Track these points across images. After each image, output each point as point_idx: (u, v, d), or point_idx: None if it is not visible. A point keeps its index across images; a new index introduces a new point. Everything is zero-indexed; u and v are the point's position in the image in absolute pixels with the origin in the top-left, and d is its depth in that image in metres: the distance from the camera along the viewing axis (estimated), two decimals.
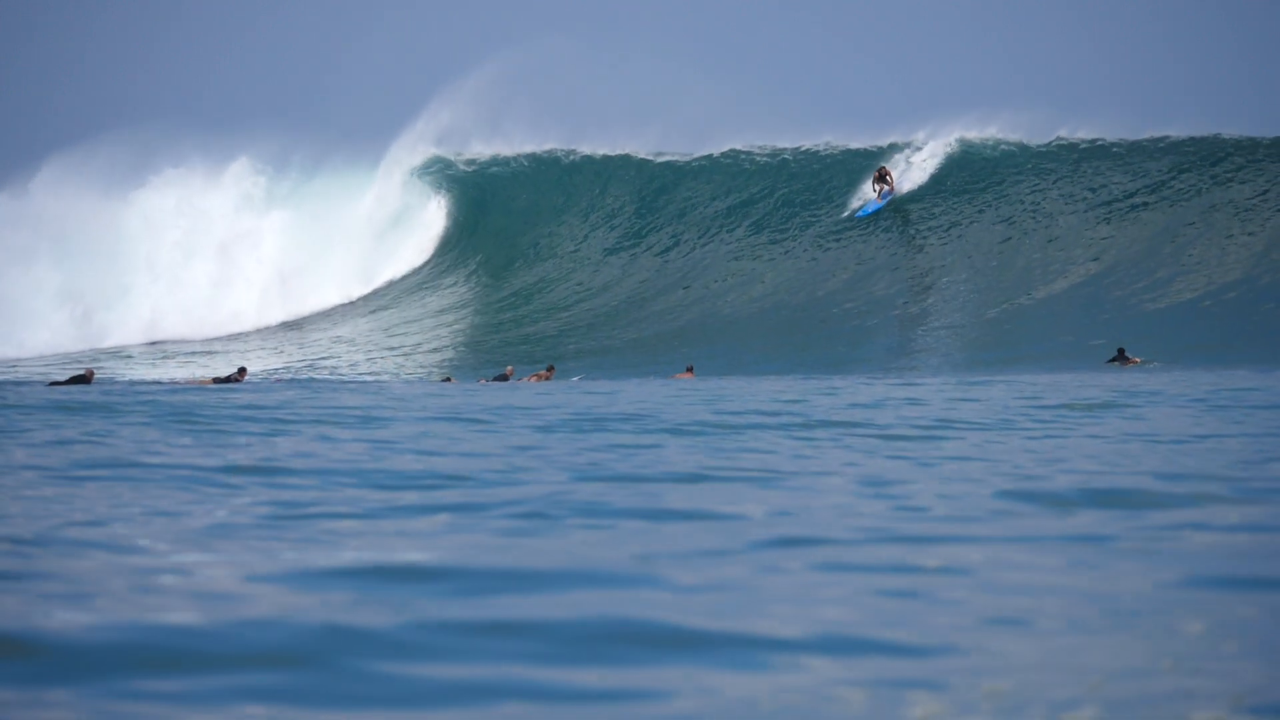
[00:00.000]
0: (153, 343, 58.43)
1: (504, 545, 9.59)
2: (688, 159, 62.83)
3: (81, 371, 36.96)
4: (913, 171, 58.71)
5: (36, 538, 9.81)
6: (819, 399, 25.51)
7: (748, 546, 9.40)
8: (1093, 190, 57.04)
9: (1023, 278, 52.86)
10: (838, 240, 56.89)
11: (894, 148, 60.50)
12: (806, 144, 62.31)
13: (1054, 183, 57.64)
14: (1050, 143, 59.51)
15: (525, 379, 39.03)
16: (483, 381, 39.64)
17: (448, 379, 40.00)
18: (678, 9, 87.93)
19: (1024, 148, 59.56)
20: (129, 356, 54.88)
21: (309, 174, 64.58)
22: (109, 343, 58.40)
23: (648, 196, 61.86)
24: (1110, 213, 55.76)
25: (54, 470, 14.41)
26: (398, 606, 7.61)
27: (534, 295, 57.32)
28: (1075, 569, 8.74)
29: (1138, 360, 42.86)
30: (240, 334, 59.01)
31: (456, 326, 55.35)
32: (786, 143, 62.57)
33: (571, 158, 64.08)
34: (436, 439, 18.19)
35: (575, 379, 40.92)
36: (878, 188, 57.56)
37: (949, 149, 59.55)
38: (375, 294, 60.86)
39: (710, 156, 62.67)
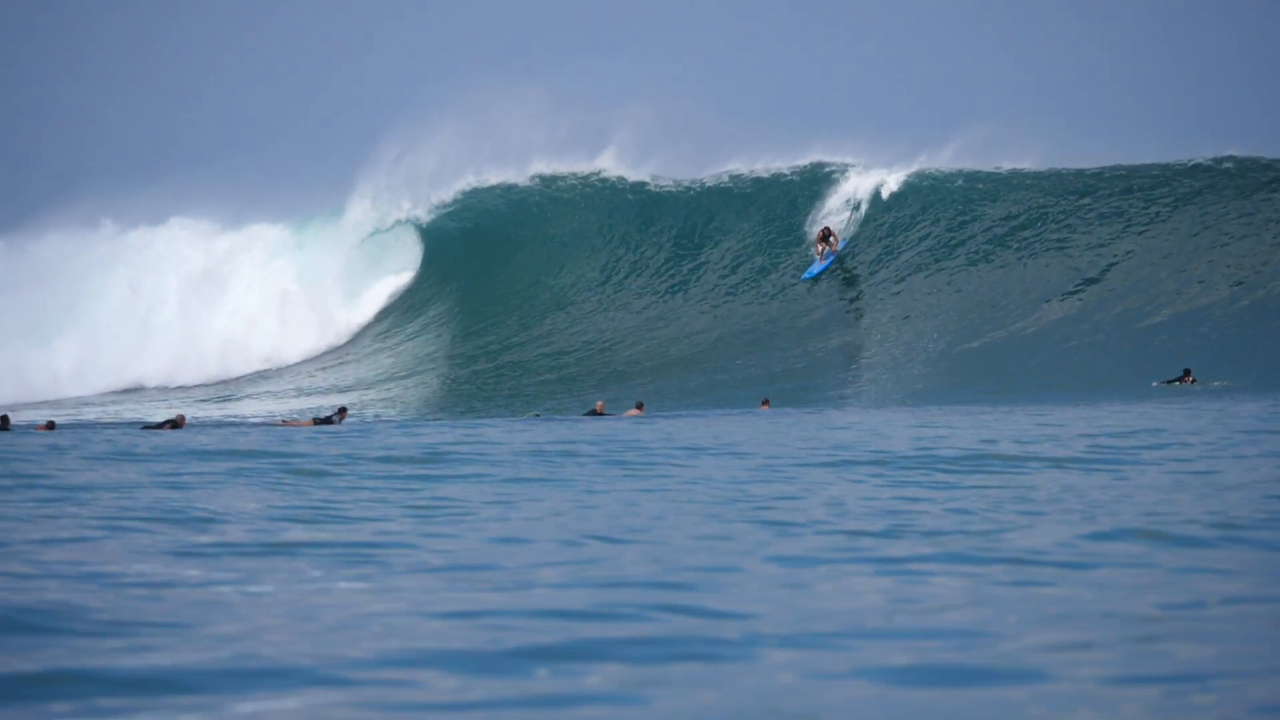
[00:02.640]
0: (126, 390, 59.42)
1: None
2: (679, 186, 63.83)
3: (174, 416, 38.05)
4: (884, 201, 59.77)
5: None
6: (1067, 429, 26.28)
7: None
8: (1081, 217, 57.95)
9: (1049, 302, 53.52)
10: (824, 278, 57.88)
11: (830, 173, 61.96)
12: (785, 167, 63.22)
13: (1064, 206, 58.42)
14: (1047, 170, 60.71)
15: (625, 414, 39.70)
16: (535, 415, 40.50)
17: (597, 407, 40.19)
18: (648, 29, 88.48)
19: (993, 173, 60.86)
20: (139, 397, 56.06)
21: (276, 218, 65.64)
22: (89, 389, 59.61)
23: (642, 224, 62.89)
24: (1092, 240, 56.67)
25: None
26: None
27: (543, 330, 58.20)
28: None
29: (1195, 381, 43.77)
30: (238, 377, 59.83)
31: (474, 366, 55.84)
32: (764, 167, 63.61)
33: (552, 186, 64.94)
34: (794, 482, 18.22)
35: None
36: (820, 248, 57.61)
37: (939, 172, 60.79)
38: (373, 325, 61.68)
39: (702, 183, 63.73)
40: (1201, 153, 59.09)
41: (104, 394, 58.96)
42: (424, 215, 64.50)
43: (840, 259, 57.66)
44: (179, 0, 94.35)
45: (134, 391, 59.19)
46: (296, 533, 14.28)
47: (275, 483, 19.51)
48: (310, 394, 53.94)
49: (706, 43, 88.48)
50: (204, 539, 13.79)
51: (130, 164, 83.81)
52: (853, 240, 58.82)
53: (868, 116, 67.97)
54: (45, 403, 57.00)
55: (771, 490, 17.55)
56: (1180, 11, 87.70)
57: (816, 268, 57.40)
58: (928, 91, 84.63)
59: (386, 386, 53.79)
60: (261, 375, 59.51)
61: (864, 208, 60.47)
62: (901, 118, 68.10)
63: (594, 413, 40.09)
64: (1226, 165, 58.29)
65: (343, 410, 37.92)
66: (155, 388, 59.63)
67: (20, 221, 65.90)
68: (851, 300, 56.29)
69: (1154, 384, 44.38)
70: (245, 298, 62.92)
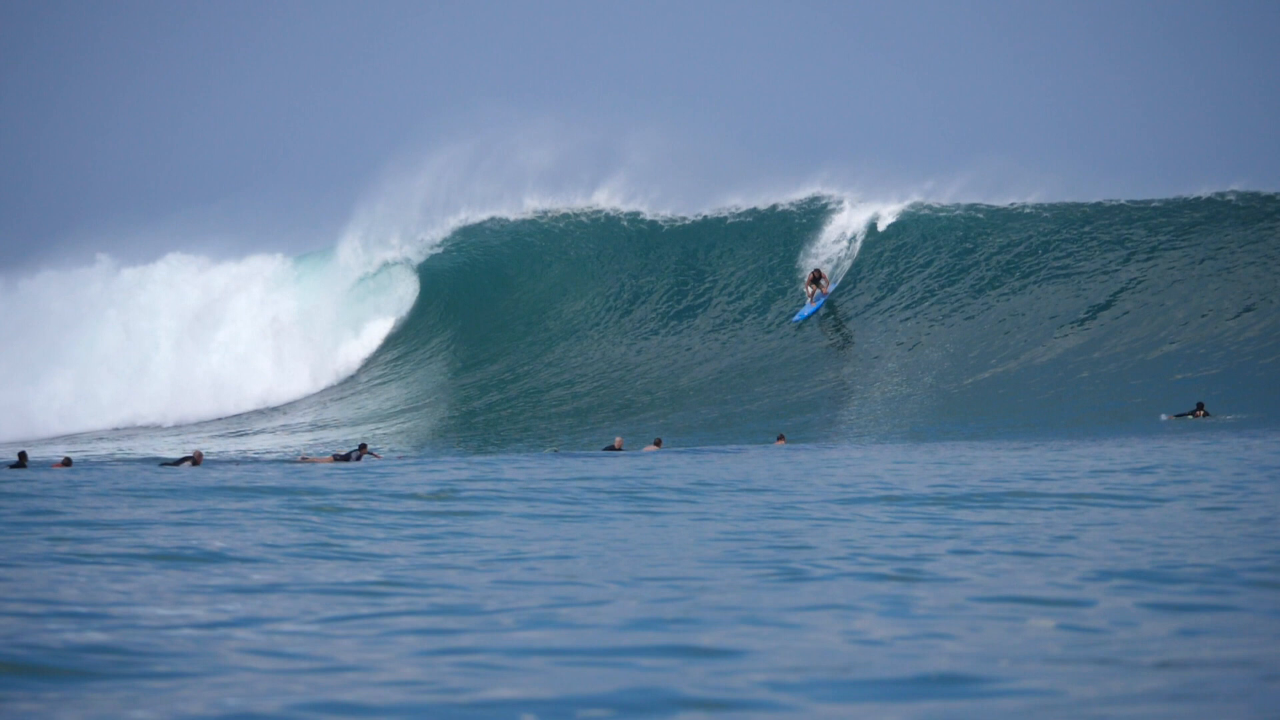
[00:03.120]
0: (117, 428, 59.30)
1: None
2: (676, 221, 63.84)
3: (191, 453, 38.13)
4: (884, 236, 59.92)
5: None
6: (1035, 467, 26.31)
7: None
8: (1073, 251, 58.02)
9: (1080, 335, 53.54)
10: (822, 311, 57.93)
11: (824, 207, 62.10)
12: (787, 201, 63.19)
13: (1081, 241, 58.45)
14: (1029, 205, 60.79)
15: (644, 449, 39.73)
16: (553, 450, 40.53)
17: (616, 444, 40.24)
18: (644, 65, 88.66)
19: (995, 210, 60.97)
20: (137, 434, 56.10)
21: (271, 254, 65.71)
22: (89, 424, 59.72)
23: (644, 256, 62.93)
24: (1088, 275, 56.70)
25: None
26: None
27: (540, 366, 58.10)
28: None
29: (1208, 414, 43.67)
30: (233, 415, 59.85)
31: (474, 399, 55.82)
32: (760, 201, 63.64)
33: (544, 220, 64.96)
34: (845, 523, 18.10)
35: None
36: (811, 290, 57.43)
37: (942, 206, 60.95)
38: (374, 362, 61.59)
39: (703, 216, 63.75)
40: (1203, 188, 59.16)
41: (100, 430, 58.90)
42: (423, 249, 64.48)
43: (830, 302, 57.53)
44: (175, 31, 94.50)
45: (131, 429, 59.05)
46: (320, 571, 14.31)
47: (296, 520, 19.54)
48: (314, 429, 53.96)
49: (708, 75, 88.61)
50: (219, 577, 13.81)
51: (128, 199, 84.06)
52: (846, 281, 58.72)
53: (873, 149, 67.77)
54: (39, 440, 56.96)
55: (797, 530, 17.56)
56: (1180, 51, 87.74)
57: (807, 310, 57.23)
58: (932, 125, 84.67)
59: (396, 421, 53.80)
60: (264, 412, 59.44)
61: (861, 240, 60.55)
62: (906, 151, 67.97)
63: (612, 448, 40.14)
64: (1229, 198, 58.35)
65: (363, 447, 37.98)
66: (148, 425, 59.49)
67: (15, 258, 66.08)
68: (858, 332, 56.32)
69: (1163, 417, 44.26)
70: (244, 333, 62.97)
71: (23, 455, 37.87)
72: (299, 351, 62.07)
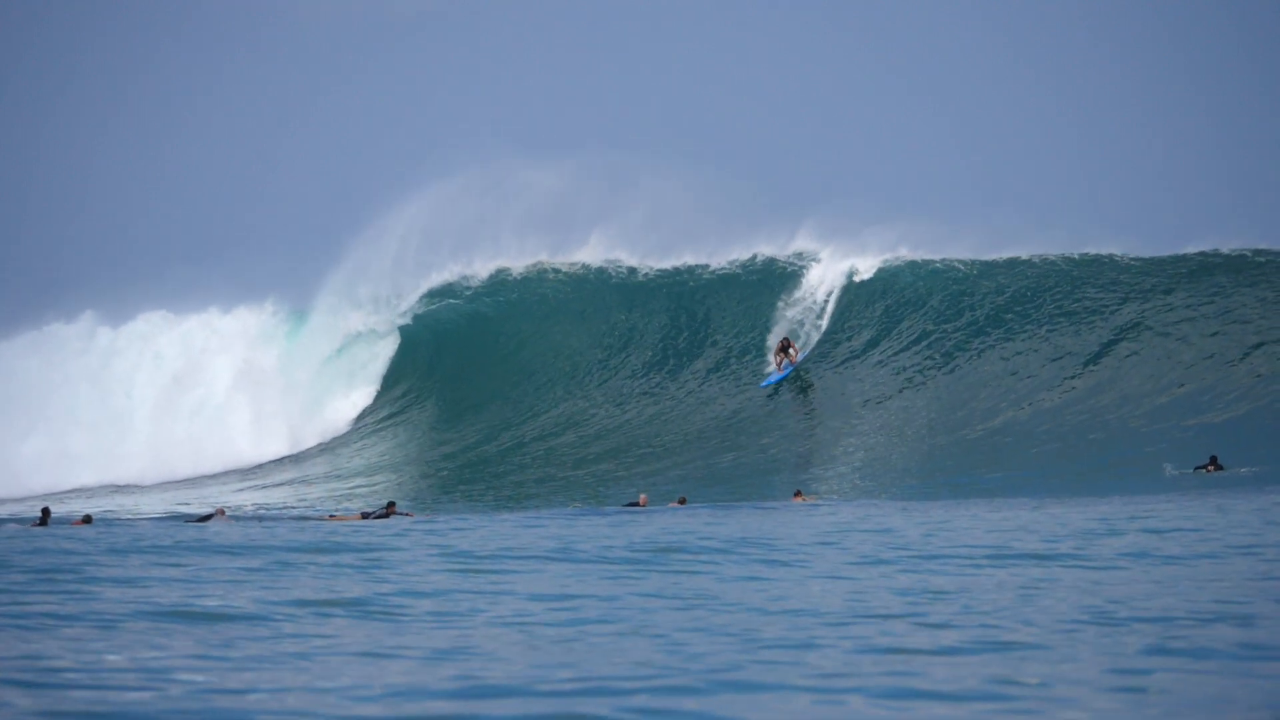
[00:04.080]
0: (113, 485, 58.71)
1: None
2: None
3: (212, 511, 37.92)
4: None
5: None
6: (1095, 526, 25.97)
7: None
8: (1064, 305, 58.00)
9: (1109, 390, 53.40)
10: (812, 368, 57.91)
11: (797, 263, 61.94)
12: (778, 254, 63.26)
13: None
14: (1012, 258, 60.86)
15: (668, 505, 39.53)
16: (575, 506, 40.22)
17: (637, 501, 39.99)
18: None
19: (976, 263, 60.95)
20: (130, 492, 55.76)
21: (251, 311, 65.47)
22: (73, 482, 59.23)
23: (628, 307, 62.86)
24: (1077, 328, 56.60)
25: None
26: None
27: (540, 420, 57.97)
28: None
29: (1221, 468, 43.33)
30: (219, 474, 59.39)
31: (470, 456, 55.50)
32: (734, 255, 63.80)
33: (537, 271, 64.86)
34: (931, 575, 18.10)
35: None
36: (778, 359, 57.22)
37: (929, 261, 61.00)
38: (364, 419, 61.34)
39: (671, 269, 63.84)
40: (1200, 244, 59.26)
41: (87, 488, 58.50)
42: (407, 305, 64.39)
43: (799, 369, 57.19)
44: (162, 83, 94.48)
45: (112, 488, 58.62)
46: (351, 636, 14.07)
47: (332, 576, 19.30)
48: (305, 484, 53.67)
49: (692, 125, 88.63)
50: (258, 635, 13.56)
51: (107, 256, 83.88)
52: (841, 330, 58.59)
53: (866, 199, 67.52)
54: (20, 499, 56.60)
55: (834, 593, 17.29)
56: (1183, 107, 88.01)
57: (774, 377, 56.91)
58: (921, 176, 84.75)
59: (390, 477, 53.42)
60: (243, 471, 59.05)
61: (855, 294, 60.50)
62: (901, 202, 67.73)
63: (635, 505, 39.85)
64: (1230, 253, 58.39)
65: (391, 505, 37.80)
66: (127, 485, 59.08)
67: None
68: (853, 382, 56.17)
69: (1169, 470, 43.94)
70: (227, 391, 62.69)
71: (46, 512, 37.55)
72: (283, 409, 61.78)
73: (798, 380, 57.33)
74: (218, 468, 59.65)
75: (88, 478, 59.39)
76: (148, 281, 66.50)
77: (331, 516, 37.28)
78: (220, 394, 62.66)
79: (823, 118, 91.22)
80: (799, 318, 60.99)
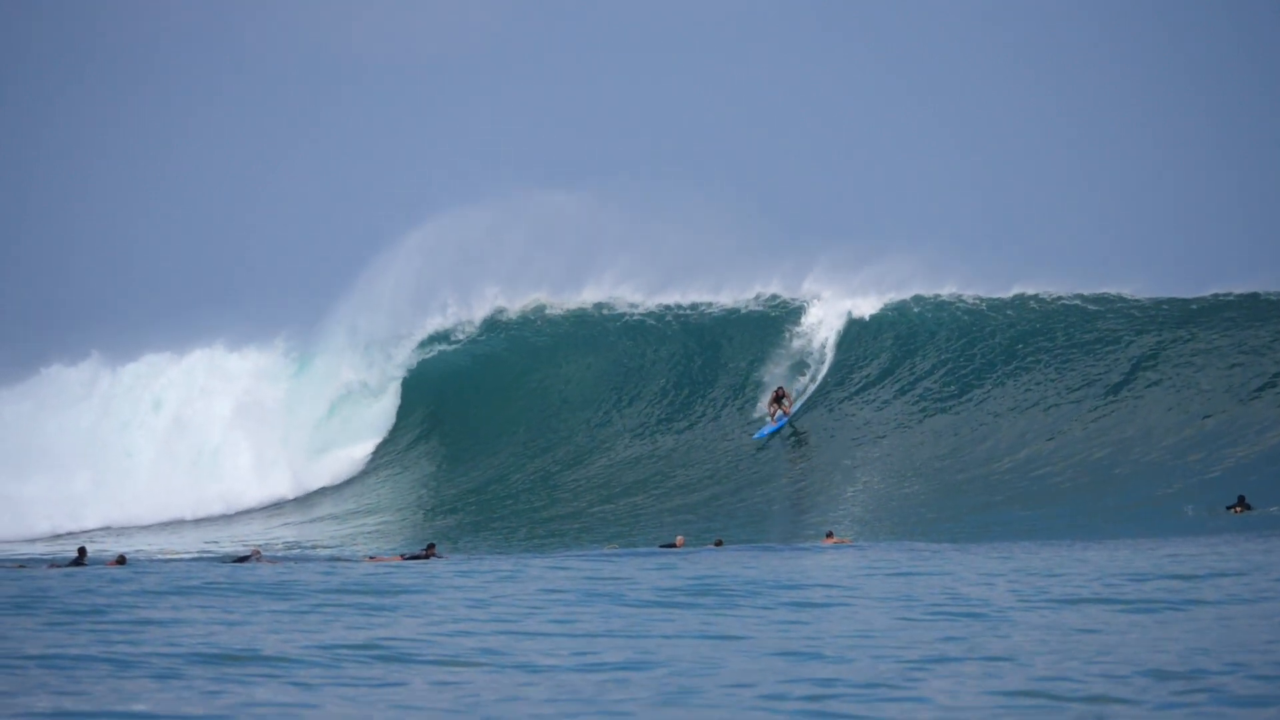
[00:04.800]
0: (115, 527, 58.28)
1: None
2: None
3: (247, 552, 37.74)
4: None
5: None
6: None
7: None
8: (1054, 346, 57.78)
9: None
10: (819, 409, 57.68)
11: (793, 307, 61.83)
12: (734, 299, 63.28)
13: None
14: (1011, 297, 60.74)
15: (709, 545, 39.34)
16: (612, 548, 39.98)
17: (674, 542, 39.72)
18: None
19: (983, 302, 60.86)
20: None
21: (257, 352, 65.21)
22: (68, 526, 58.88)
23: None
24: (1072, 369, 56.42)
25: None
26: None
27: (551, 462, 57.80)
28: None
29: (1249, 508, 42.87)
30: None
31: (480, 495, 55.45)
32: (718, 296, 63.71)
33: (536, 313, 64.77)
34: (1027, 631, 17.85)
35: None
36: (773, 409, 56.53)
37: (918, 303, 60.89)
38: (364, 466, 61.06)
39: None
40: (1212, 288, 59.09)
41: (90, 530, 58.20)
42: (418, 347, 64.28)
43: (792, 421, 56.64)
44: (170, 116, 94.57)
45: (116, 529, 58.37)
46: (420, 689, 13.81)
47: (386, 621, 19.06)
48: (331, 521, 53.50)
49: (699, 160, 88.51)
50: (299, 678, 13.32)
51: (109, 297, 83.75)
52: (813, 398, 58.09)
53: (879, 238, 67.11)
54: (28, 539, 56.43)
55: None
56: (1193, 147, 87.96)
57: (768, 429, 56.20)
58: (935, 211, 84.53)
59: (404, 519, 53.21)
60: (291, 507, 58.91)
61: (869, 329, 60.44)
62: (913, 238, 67.35)
63: (671, 546, 39.63)
64: (1243, 294, 58.27)
65: (431, 547, 37.63)
66: (129, 526, 58.78)
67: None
68: (872, 421, 55.90)
69: (1189, 511, 43.53)
70: (232, 433, 62.51)
71: (82, 551, 37.36)
72: (291, 448, 61.65)
73: (810, 418, 56.96)
74: (223, 509, 59.42)
75: (90, 519, 59.17)
76: (153, 321, 66.56)
77: (371, 558, 37.07)
78: (223, 434, 62.47)
79: (834, 150, 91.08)
80: (807, 352, 60.72)
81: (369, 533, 49.74)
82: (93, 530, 58.07)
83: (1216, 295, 59.09)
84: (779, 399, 56.62)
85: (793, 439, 55.92)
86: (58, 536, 57.00)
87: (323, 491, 59.75)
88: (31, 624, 18.57)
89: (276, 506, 59.07)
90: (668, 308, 64.20)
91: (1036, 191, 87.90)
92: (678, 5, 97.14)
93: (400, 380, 63.78)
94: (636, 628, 17.99)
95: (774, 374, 60.07)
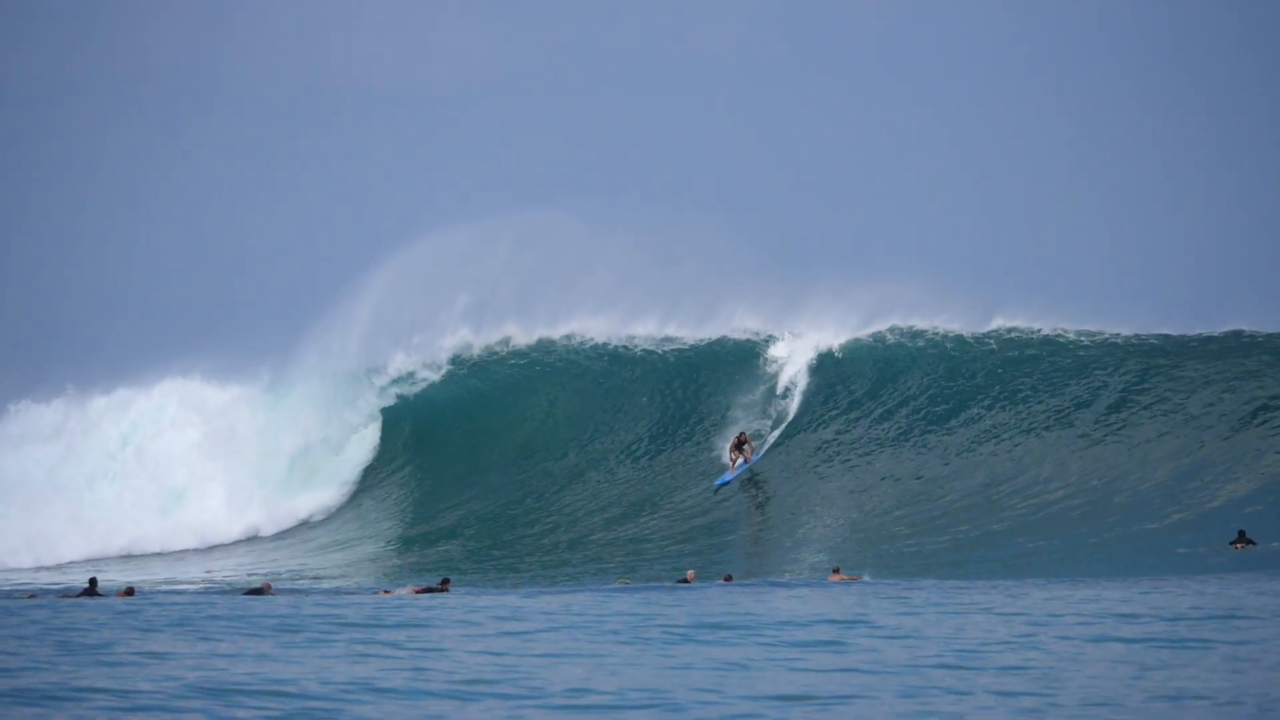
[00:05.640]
0: (89, 560, 57.86)
1: None
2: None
3: (260, 585, 37.66)
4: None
5: None
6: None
7: None
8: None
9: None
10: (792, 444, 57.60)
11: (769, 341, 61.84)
12: (702, 336, 63.21)
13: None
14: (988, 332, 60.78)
15: (718, 581, 39.28)
16: (623, 583, 39.88)
17: (685, 577, 39.64)
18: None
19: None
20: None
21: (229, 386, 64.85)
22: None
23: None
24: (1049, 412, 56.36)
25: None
26: None
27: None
28: None
29: (1254, 543, 42.62)
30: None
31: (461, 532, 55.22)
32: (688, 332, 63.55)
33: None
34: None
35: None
36: (733, 456, 55.62)
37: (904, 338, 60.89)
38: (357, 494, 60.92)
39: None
40: (1207, 328, 59.14)
41: (65, 563, 57.97)
42: (392, 383, 64.00)
43: (752, 469, 55.96)
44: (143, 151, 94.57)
45: (93, 561, 58.14)
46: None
47: (418, 655, 18.89)
48: (319, 551, 53.37)
49: (675, 192, 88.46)
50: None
51: (87, 328, 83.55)
52: (774, 445, 57.75)
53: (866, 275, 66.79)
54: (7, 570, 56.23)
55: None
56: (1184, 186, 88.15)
57: (728, 476, 55.38)
58: (915, 247, 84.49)
59: (394, 553, 52.98)
60: (226, 546, 58.68)
61: (861, 360, 60.45)
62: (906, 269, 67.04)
63: (684, 581, 39.52)
64: (1224, 334, 58.32)
65: (446, 581, 37.55)
66: (104, 558, 58.55)
67: None
68: (861, 455, 55.73)
69: (1181, 551, 43.35)
70: (209, 464, 62.36)
71: (93, 582, 37.20)
72: (268, 482, 61.47)
73: (788, 451, 56.70)
74: (197, 543, 59.22)
75: (67, 553, 58.95)
76: (131, 354, 66.15)
77: (385, 592, 36.96)
78: (195, 467, 62.25)
79: (812, 181, 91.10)
80: (778, 389, 60.51)
81: (352, 564, 49.57)
82: (64, 564, 57.83)
83: (1201, 334, 59.07)
84: (740, 445, 55.78)
85: (754, 481, 55.49)
86: (40, 569, 56.85)
87: (303, 525, 59.55)
88: (45, 653, 18.41)
89: (251, 540, 58.86)
90: (640, 342, 63.94)
91: (1015, 226, 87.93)
92: (658, 35, 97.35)
93: (374, 415, 63.43)
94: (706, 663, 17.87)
95: (738, 417, 59.61)
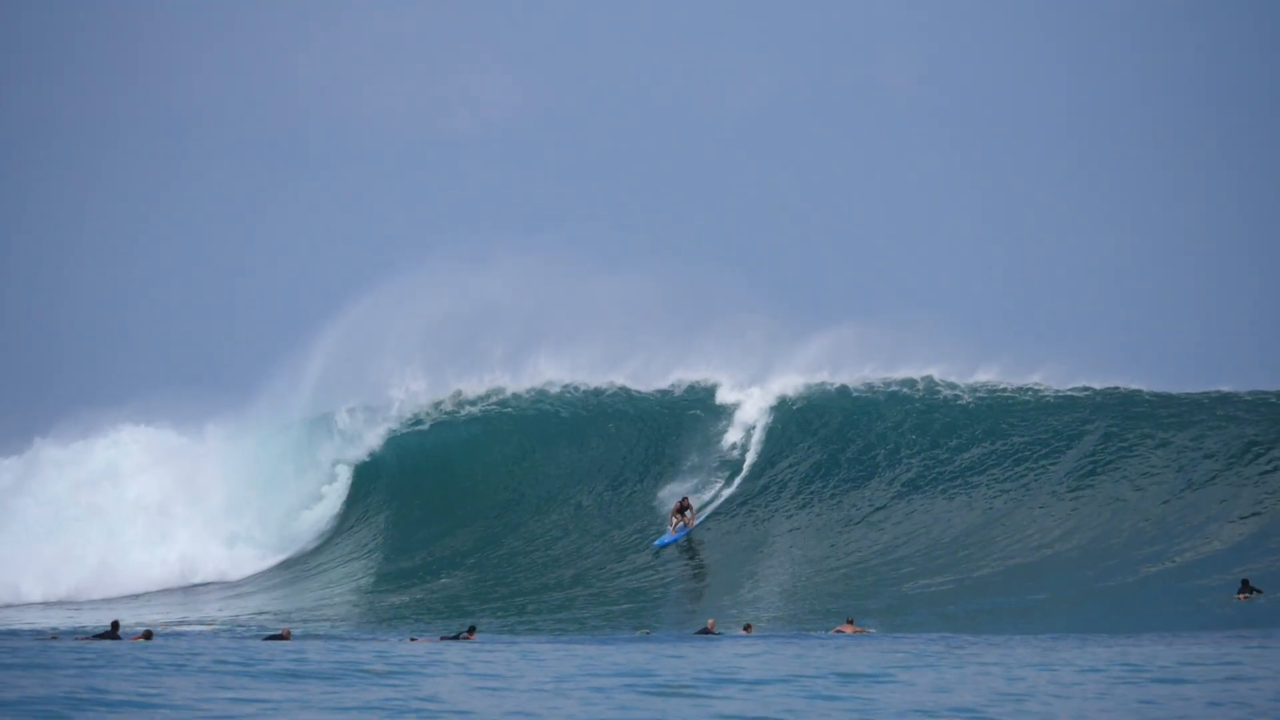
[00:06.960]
0: (65, 601, 57.82)
1: None
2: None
3: (279, 630, 37.57)
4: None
5: None
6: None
7: None
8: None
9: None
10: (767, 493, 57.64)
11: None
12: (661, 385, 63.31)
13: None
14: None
15: (739, 631, 39.25)
16: (645, 632, 39.83)
17: (707, 626, 39.63)
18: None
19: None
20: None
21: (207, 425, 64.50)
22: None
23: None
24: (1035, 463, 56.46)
25: None
26: None
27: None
28: None
29: (1259, 591, 42.34)
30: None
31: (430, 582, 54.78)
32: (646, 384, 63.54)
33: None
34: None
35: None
36: (675, 520, 55.28)
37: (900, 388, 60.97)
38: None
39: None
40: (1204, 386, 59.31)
41: (48, 607, 57.76)
42: (369, 431, 63.78)
43: (690, 535, 55.52)
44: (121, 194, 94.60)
45: (72, 604, 57.91)
46: None
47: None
48: (309, 593, 53.15)
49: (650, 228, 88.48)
50: None
51: (63, 376, 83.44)
52: (721, 509, 57.59)
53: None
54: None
55: None
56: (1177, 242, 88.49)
57: (667, 538, 55.00)
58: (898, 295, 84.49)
59: (387, 596, 52.80)
60: (191, 589, 58.54)
61: (846, 411, 60.43)
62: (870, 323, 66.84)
63: (706, 631, 39.50)
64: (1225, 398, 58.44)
65: (472, 629, 37.48)
66: (83, 601, 58.34)
67: None
68: (851, 506, 55.69)
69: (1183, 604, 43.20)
70: (189, 507, 62.26)
71: (115, 625, 37.00)
72: (242, 524, 61.17)
73: (788, 503, 56.68)
74: (179, 580, 59.06)
75: (36, 593, 58.77)
76: (99, 403, 65.82)
77: (412, 640, 36.93)
78: (167, 510, 62.14)
79: (789, 229, 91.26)
80: (732, 444, 60.39)
81: (347, 607, 49.43)
82: (37, 604, 57.58)
83: (1186, 392, 59.15)
84: (682, 510, 55.48)
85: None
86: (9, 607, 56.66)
87: (282, 566, 59.36)
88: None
89: (235, 583, 58.68)
90: (593, 392, 63.89)
91: (993, 282, 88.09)
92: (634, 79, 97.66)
93: (339, 463, 63.14)
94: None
95: (681, 484, 59.37)
